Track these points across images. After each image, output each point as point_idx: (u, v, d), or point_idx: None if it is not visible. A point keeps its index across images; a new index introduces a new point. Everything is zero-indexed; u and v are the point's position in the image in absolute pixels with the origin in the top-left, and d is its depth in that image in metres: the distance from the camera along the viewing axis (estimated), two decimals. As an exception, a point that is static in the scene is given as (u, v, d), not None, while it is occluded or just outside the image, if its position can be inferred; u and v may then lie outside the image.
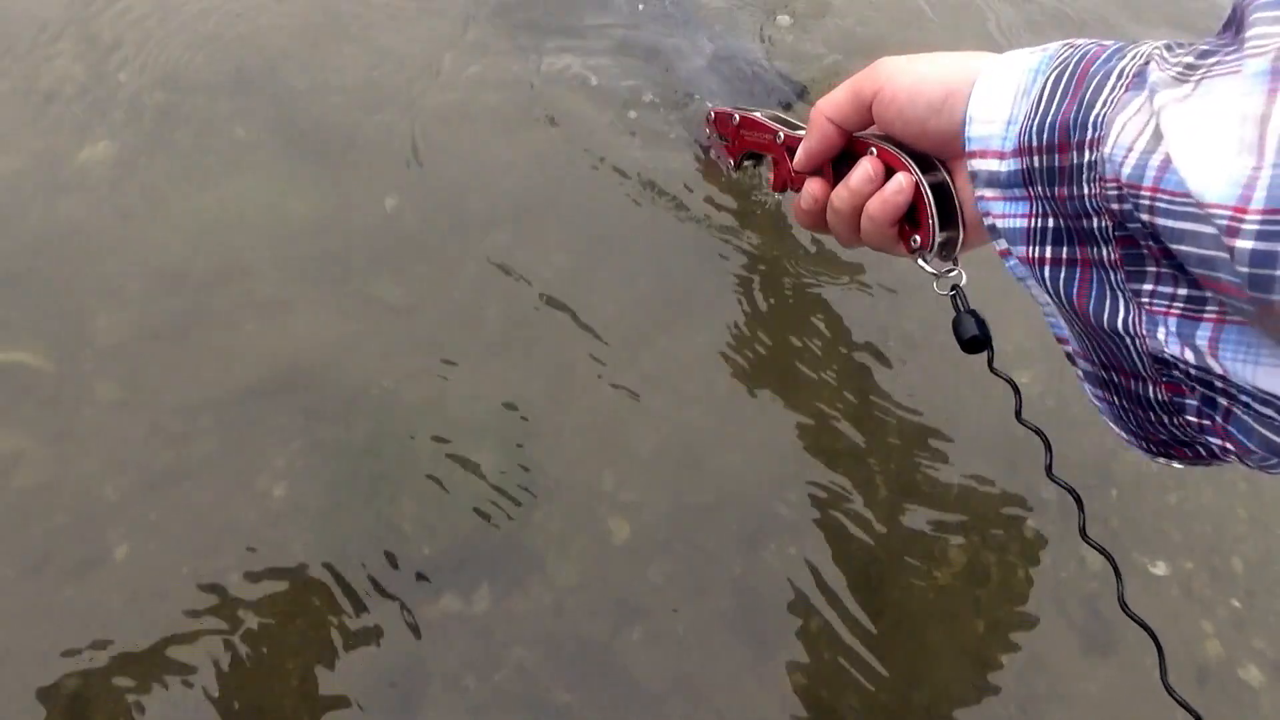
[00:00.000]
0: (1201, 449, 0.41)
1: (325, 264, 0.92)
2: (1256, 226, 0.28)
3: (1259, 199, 0.28)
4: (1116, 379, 0.42)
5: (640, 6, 1.22)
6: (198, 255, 0.91)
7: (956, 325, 0.47)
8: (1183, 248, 0.32)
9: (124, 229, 0.92)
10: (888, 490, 0.84)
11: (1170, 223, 0.32)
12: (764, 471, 0.83)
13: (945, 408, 0.89)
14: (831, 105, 0.51)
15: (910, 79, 0.46)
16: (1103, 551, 0.46)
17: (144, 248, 0.91)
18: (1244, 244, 0.28)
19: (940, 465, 0.85)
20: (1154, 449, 0.44)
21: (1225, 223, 0.29)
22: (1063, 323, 0.44)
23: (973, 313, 0.46)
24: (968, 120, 0.42)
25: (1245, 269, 0.29)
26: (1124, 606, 0.45)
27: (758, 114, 0.65)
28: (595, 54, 1.17)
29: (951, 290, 0.48)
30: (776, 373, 0.90)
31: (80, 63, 1.06)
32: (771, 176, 0.61)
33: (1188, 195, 0.31)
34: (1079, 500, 0.46)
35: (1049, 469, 0.47)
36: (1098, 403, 0.46)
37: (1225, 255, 0.30)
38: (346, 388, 0.83)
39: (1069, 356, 0.46)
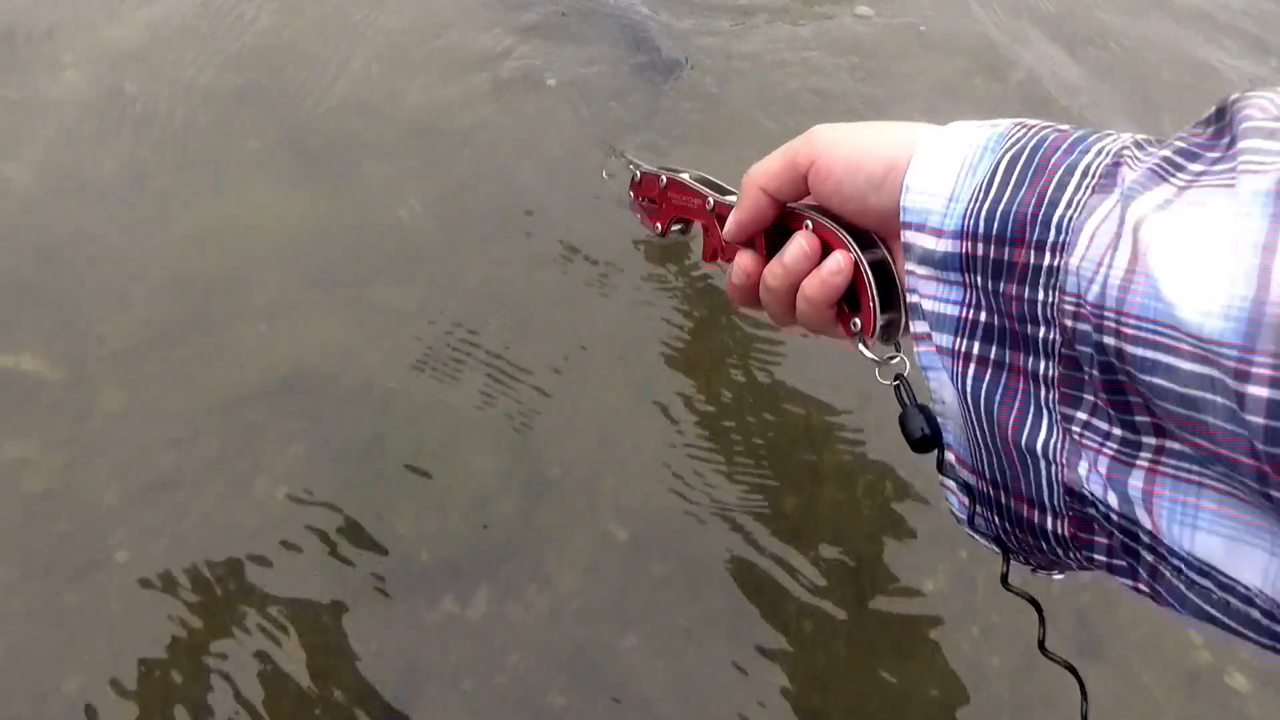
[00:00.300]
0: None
1: (328, 270, 0.93)
2: (1269, 371, 0.24)
3: (1267, 339, 0.24)
4: (1007, 502, 0.38)
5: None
6: (203, 262, 0.92)
7: (903, 422, 0.42)
8: (1156, 380, 0.28)
9: (131, 237, 0.93)
10: (880, 495, 0.84)
11: (1144, 352, 0.28)
12: (759, 473, 0.84)
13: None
14: (764, 174, 0.46)
15: (849, 151, 0.42)
16: (1028, 598, 0.43)
17: (151, 256, 0.92)
18: (1258, 390, 0.24)
19: (933, 471, 0.86)
20: (1037, 566, 0.40)
21: (1233, 365, 0.25)
22: (951, 427, 0.40)
23: (921, 408, 0.41)
24: (904, 189, 0.39)
25: (1260, 420, 0.25)
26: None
27: (685, 176, 0.61)
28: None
29: (895, 381, 0.44)
30: (772, 377, 0.91)
31: (90, 74, 1.08)
32: (702, 246, 0.59)
33: (1167, 325, 0.27)
34: (1006, 553, 0.42)
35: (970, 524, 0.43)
36: (968, 516, 0.41)
37: (1220, 399, 0.26)
38: (347, 392, 0.84)
39: (942, 464, 0.41)
